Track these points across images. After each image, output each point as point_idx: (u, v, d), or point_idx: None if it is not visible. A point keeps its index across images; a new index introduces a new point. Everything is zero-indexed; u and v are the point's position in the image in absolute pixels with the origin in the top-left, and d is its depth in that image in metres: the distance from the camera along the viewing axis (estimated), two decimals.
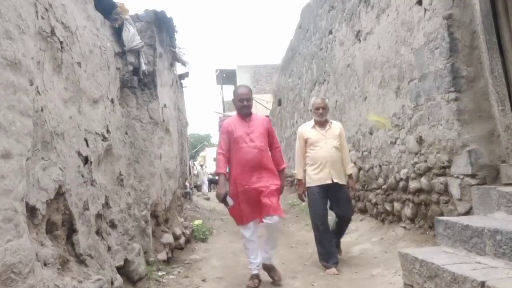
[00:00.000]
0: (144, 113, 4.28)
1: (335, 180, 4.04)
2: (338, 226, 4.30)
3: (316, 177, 4.08)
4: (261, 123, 3.74)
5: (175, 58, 6.21)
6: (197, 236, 5.72)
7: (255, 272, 3.62)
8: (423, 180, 4.00)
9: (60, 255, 2.29)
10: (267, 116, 6.64)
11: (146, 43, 4.43)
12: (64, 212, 2.40)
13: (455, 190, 3.47)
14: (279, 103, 12.82)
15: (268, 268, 3.66)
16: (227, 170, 3.74)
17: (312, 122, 4.27)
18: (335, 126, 4.26)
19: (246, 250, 3.70)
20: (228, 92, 24.30)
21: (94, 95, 3.12)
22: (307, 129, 4.25)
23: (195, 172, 17.03)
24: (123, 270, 3.31)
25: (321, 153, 4.08)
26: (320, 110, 4.18)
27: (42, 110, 2.17)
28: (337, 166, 4.11)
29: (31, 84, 2.00)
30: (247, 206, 3.56)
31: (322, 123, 4.21)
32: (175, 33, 5.86)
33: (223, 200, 3.52)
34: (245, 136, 3.59)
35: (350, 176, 4.25)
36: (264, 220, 3.49)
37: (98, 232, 2.94)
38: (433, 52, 3.64)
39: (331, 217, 4.31)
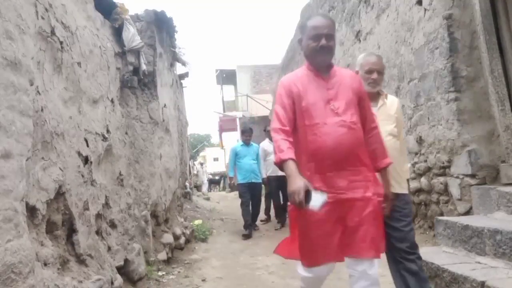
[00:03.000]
0: (144, 113, 4.28)
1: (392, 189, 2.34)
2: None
3: None
4: (350, 82, 2.11)
5: (175, 58, 6.21)
6: (197, 236, 5.72)
7: None
8: (423, 180, 4.00)
9: (60, 255, 2.29)
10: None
11: (146, 43, 4.43)
12: (64, 212, 2.41)
13: (455, 190, 3.47)
14: None
15: None
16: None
17: None
18: (391, 103, 2.61)
19: None
20: (228, 92, 24.30)
21: (94, 95, 3.12)
22: None
23: (195, 172, 17.03)
24: (123, 270, 3.31)
25: None
26: (375, 75, 2.50)
27: (42, 110, 2.18)
28: (396, 165, 2.42)
29: (31, 84, 2.00)
30: (323, 235, 1.93)
31: (373, 96, 2.51)
32: (175, 33, 5.86)
33: (305, 198, 1.75)
34: (323, 105, 2.01)
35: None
36: (355, 267, 1.96)
37: (98, 232, 2.94)
38: (433, 52, 3.65)
39: None
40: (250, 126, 7.40)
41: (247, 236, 5.93)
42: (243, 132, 6.94)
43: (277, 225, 6.48)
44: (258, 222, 6.82)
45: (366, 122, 2.13)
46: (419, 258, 2.39)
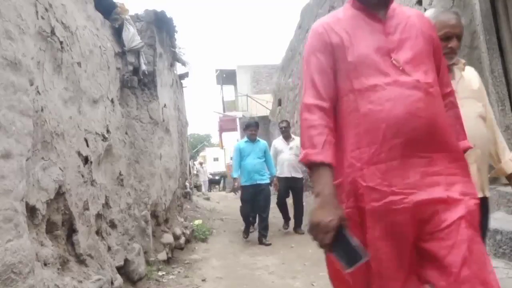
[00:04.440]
0: (144, 113, 4.28)
1: (485, 193, 1.84)
2: None
3: None
4: (419, 24, 1.37)
5: (175, 58, 6.22)
6: (197, 236, 5.72)
7: None
8: None
9: (60, 255, 2.29)
10: None
11: (146, 43, 4.44)
12: (64, 212, 2.41)
13: None
14: (279, 103, 12.82)
15: None
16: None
17: None
18: (471, 74, 1.98)
19: None
20: (228, 92, 24.32)
21: (94, 95, 3.12)
22: None
23: (195, 172, 17.04)
24: (123, 270, 3.31)
25: None
26: (454, 42, 1.85)
27: (42, 110, 2.18)
28: (487, 159, 1.88)
29: (31, 84, 2.00)
30: (391, 257, 1.20)
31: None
32: (175, 33, 5.86)
33: (334, 240, 1.14)
34: (382, 58, 1.30)
35: None
36: None
37: (98, 232, 2.94)
38: None
39: None
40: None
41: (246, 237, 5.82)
42: (247, 127, 5.79)
43: (285, 225, 6.10)
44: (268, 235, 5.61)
45: (441, 85, 1.40)
46: None
